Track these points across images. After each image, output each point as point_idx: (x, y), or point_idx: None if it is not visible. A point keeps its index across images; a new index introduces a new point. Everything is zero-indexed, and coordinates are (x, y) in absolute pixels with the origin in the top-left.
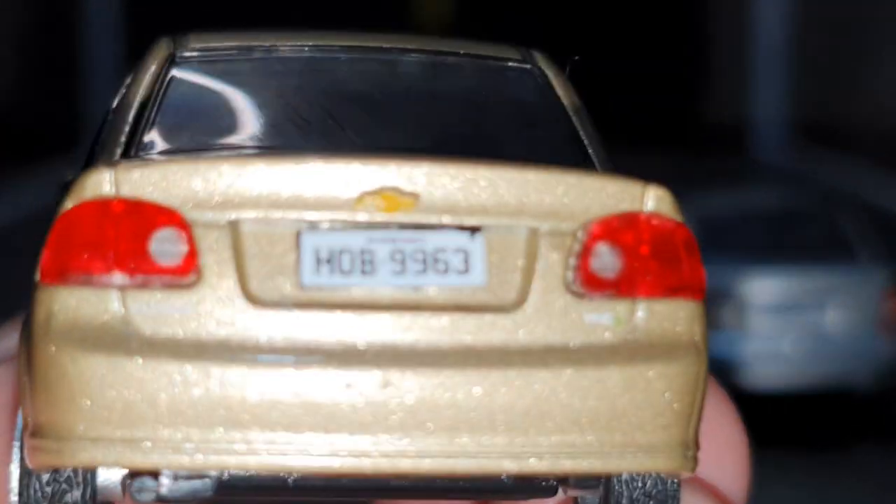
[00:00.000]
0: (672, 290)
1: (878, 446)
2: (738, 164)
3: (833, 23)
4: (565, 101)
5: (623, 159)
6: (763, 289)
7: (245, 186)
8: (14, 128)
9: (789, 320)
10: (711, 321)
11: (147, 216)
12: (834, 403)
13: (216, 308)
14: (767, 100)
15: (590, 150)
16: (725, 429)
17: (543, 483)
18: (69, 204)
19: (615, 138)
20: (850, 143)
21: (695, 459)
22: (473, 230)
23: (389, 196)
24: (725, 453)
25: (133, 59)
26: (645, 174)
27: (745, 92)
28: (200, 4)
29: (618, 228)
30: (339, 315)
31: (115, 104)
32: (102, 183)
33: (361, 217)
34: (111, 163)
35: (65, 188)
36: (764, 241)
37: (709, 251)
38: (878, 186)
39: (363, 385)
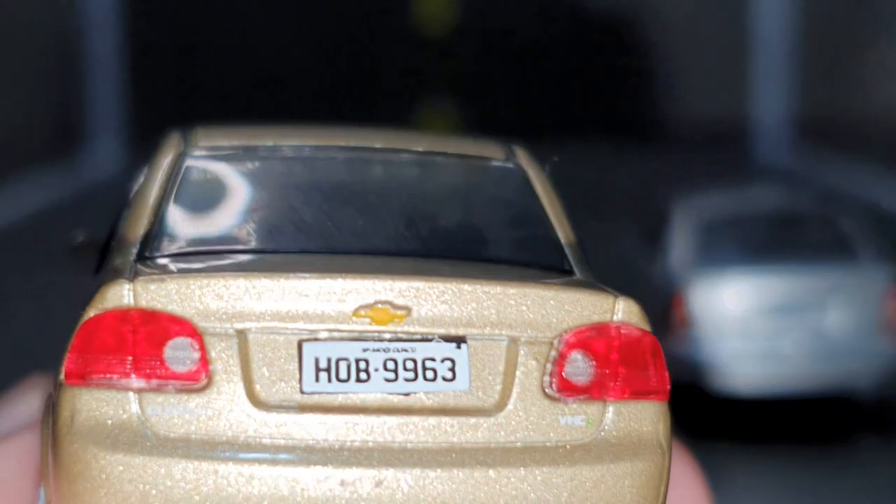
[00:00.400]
0: (639, 393)
1: (881, 446)
2: (738, 165)
3: (834, 21)
4: (544, 200)
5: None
6: (763, 289)
7: (252, 300)
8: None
9: (790, 321)
10: (712, 322)
11: (162, 326)
12: (836, 404)
13: (224, 410)
14: (767, 99)
15: (567, 251)
16: (693, 497)
17: None
18: (91, 312)
19: (614, 138)
20: (851, 143)
21: None
22: (459, 341)
23: (383, 310)
24: None
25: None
26: (645, 175)
27: (745, 91)
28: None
29: (590, 338)
30: (336, 418)
31: (131, 196)
32: (122, 295)
33: (357, 328)
34: (129, 274)
35: (75, 251)
36: (764, 241)
37: (709, 252)
38: (879, 186)
39: (358, 483)
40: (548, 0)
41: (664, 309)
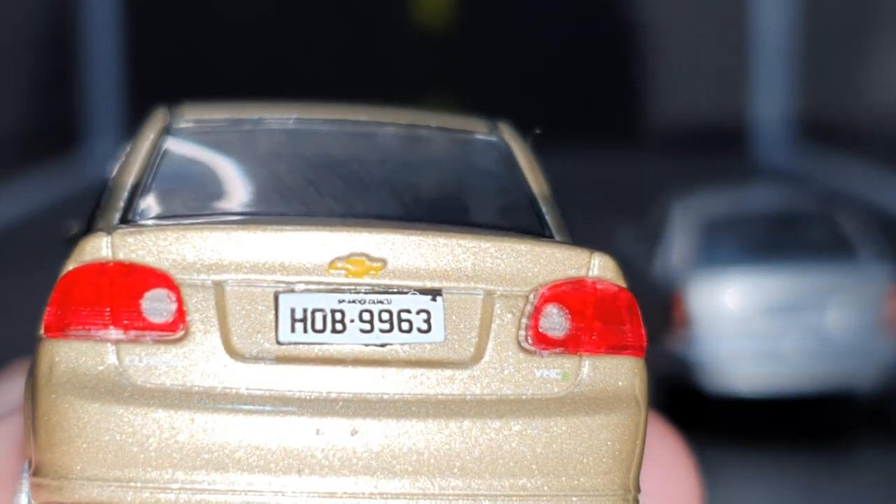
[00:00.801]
0: (615, 348)
1: (881, 445)
2: (738, 165)
3: (835, 21)
4: (526, 171)
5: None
6: (763, 289)
7: (229, 252)
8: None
9: (790, 320)
10: (712, 322)
11: (140, 278)
12: (835, 403)
13: (201, 361)
14: (768, 99)
15: (547, 218)
16: (679, 476)
17: None
18: (70, 265)
19: (615, 137)
20: (851, 143)
21: (636, 502)
22: (435, 293)
23: (359, 261)
24: (679, 501)
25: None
26: (642, 176)
27: (745, 90)
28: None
29: (566, 292)
30: (311, 369)
31: (114, 171)
32: (100, 247)
33: (333, 280)
34: (108, 229)
35: (69, 242)
36: (765, 240)
37: (709, 251)
38: (880, 186)
39: (333, 432)
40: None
41: (664, 309)
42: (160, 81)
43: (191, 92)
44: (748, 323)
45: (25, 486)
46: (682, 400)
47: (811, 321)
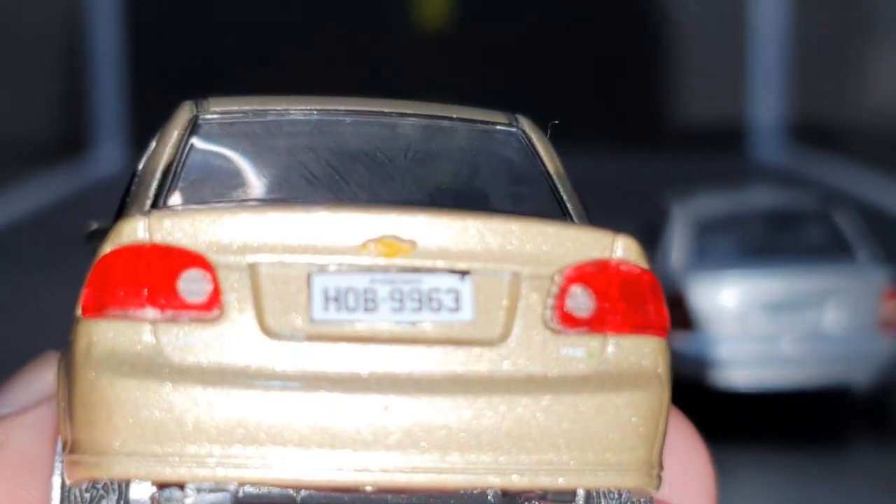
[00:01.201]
0: (639, 327)
1: (878, 445)
2: (736, 165)
3: (831, 22)
4: (546, 161)
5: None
6: (761, 289)
7: (262, 233)
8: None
9: (788, 320)
10: (710, 322)
11: (176, 259)
12: (832, 402)
13: (236, 340)
14: (764, 100)
15: (568, 206)
16: (694, 462)
17: (525, 500)
18: (108, 248)
19: (613, 137)
20: (848, 144)
21: (659, 478)
22: (463, 273)
23: (390, 242)
24: (694, 486)
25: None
26: (641, 176)
27: (742, 92)
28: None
29: (591, 273)
30: (344, 346)
31: (142, 163)
32: (137, 230)
33: (365, 261)
34: (145, 212)
35: (91, 236)
36: (762, 241)
37: (708, 251)
38: (876, 187)
39: (365, 408)
40: None
41: None
42: (166, 81)
43: (195, 96)
44: (746, 322)
45: (59, 467)
46: (686, 395)
47: (809, 321)
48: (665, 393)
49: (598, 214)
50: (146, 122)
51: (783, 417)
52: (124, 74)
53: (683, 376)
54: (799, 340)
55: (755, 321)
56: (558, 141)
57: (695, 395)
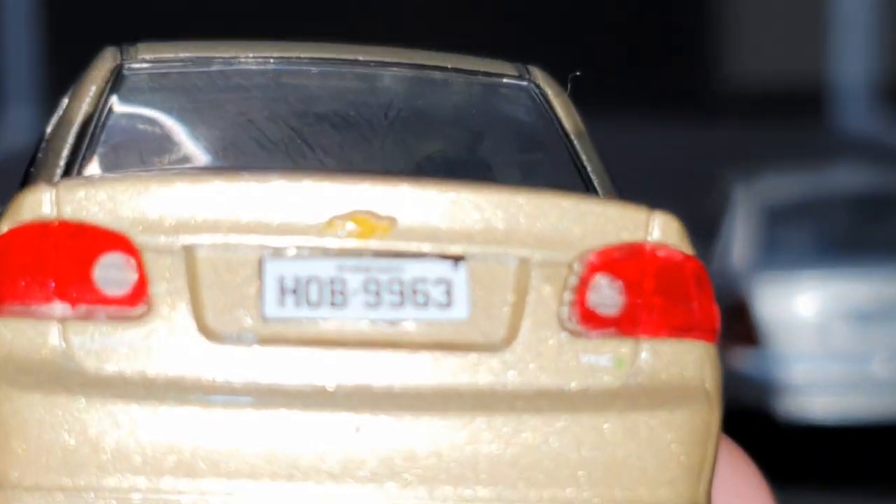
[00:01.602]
0: (680, 329)
1: None
2: (813, 137)
3: None
4: (565, 121)
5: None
6: (847, 294)
7: (202, 208)
8: None
9: (881, 334)
10: (781, 336)
11: (91, 240)
12: None
13: (168, 343)
14: (850, 54)
15: (591, 175)
16: (749, 494)
17: None
18: (4, 227)
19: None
20: None
21: None
22: (457, 259)
23: (362, 220)
24: None
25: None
26: (700, 151)
27: (822, 44)
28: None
29: (619, 260)
30: (305, 352)
31: (53, 123)
32: (42, 203)
33: (331, 243)
34: (52, 182)
35: None
36: (848, 233)
37: (779, 247)
38: None
39: (331, 430)
40: None
41: (723, 319)
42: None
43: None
44: (827, 336)
45: None
46: (748, 427)
47: None
48: (714, 413)
49: (645, 200)
50: (64, 83)
51: (872, 458)
52: (39, 28)
53: (745, 403)
54: (892, 359)
55: (839, 335)
56: (582, 102)
57: (759, 427)
